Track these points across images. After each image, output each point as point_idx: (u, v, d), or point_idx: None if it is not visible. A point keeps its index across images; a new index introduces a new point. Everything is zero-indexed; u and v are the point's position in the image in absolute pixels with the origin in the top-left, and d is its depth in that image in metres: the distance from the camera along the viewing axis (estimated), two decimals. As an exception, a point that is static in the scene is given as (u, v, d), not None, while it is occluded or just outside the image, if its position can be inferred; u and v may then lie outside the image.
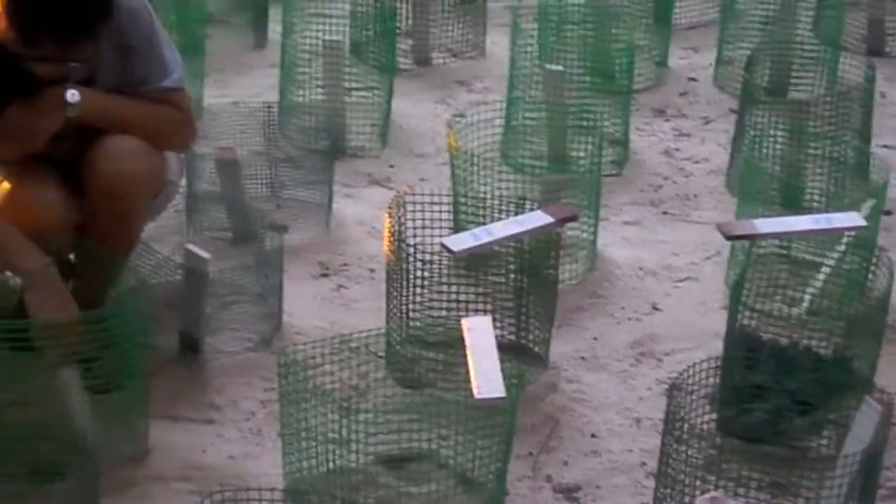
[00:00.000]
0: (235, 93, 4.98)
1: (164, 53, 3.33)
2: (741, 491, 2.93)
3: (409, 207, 3.60)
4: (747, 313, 3.44)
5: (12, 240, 3.15)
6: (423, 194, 3.65)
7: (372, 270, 3.95)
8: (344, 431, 2.88)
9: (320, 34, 4.71)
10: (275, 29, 5.30)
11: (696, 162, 4.71)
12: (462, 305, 3.52)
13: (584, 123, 4.38)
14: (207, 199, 4.04)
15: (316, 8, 4.95)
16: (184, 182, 3.84)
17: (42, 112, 3.18)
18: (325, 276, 3.94)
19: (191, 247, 3.46)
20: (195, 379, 3.43)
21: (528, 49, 4.74)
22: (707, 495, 2.71)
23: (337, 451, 2.94)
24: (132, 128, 3.28)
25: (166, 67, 3.33)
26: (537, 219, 3.51)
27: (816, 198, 4.04)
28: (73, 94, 3.19)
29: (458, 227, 3.78)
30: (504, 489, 3.02)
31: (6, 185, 3.26)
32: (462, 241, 3.44)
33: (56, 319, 3.05)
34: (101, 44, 3.21)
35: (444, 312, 3.51)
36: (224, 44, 5.41)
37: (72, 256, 3.41)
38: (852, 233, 3.64)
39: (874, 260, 3.50)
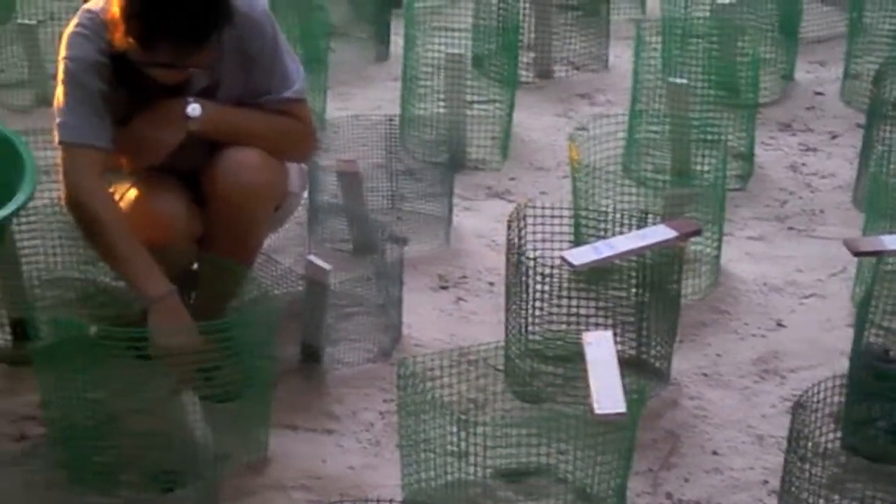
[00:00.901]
0: (357, 105, 5.00)
1: (286, 64, 3.35)
2: (867, 511, 2.87)
3: (530, 220, 3.58)
4: (874, 331, 3.37)
5: (140, 262, 3.16)
6: (543, 207, 3.63)
7: (491, 283, 3.94)
8: (462, 444, 2.86)
9: (442, 47, 4.71)
10: (397, 42, 5.33)
11: (823, 177, 4.63)
12: (582, 319, 3.49)
13: (709, 137, 4.33)
14: (329, 210, 4.05)
15: (438, 21, 4.96)
16: (306, 194, 3.86)
17: (164, 125, 3.22)
18: (445, 288, 3.94)
19: (312, 258, 3.48)
20: (315, 389, 3.44)
21: (652, 62, 4.71)
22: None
23: (455, 464, 2.92)
24: (253, 140, 3.30)
25: (288, 78, 3.35)
26: (660, 233, 3.47)
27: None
28: (194, 108, 3.21)
29: (578, 241, 3.75)
30: (623, 505, 2.99)
31: (129, 195, 3.29)
32: (583, 255, 3.41)
33: (175, 346, 3.05)
34: (224, 53, 3.24)
35: (563, 326, 3.48)
36: (347, 57, 5.44)
37: (195, 267, 3.45)
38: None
39: None
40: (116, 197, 3.30)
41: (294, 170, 3.50)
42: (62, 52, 3.22)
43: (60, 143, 3.20)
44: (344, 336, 3.59)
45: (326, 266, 3.43)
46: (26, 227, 3.54)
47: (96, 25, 3.18)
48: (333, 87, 5.03)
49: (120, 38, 3.08)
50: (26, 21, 5.03)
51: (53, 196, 3.68)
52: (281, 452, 3.19)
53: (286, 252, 3.91)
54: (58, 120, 3.20)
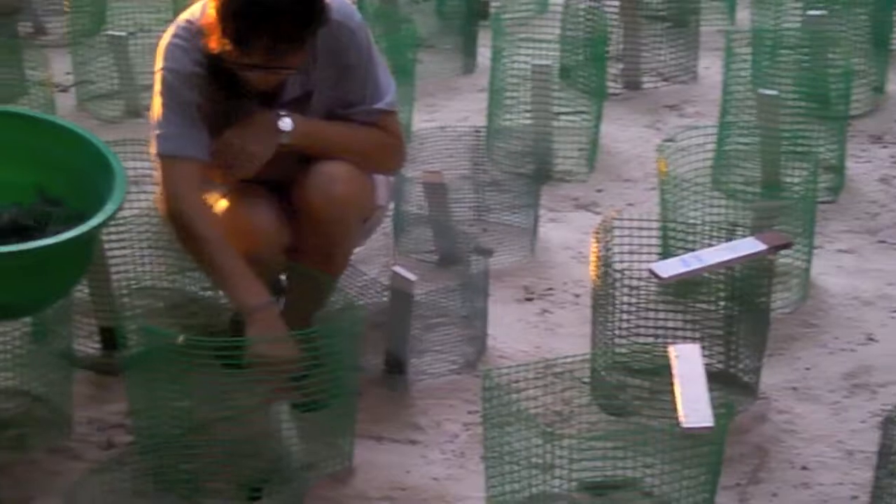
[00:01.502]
0: (444, 117, 5.01)
1: (378, 76, 3.35)
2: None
3: (617, 232, 3.56)
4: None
5: (239, 273, 3.17)
6: (631, 219, 3.61)
7: (577, 295, 3.92)
8: (547, 457, 2.85)
9: (529, 58, 4.71)
10: (484, 53, 5.33)
11: (915, 190, 4.57)
12: (669, 332, 3.46)
13: (799, 149, 4.28)
14: (414, 221, 4.06)
15: (525, 32, 4.95)
16: (392, 205, 3.86)
17: (257, 138, 3.23)
18: (530, 300, 3.92)
19: (397, 269, 3.48)
20: (399, 400, 3.44)
21: (742, 73, 4.66)
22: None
23: (540, 477, 2.91)
24: (344, 153, 3.31)
25: (380, 90, 3.35)
26: (749, 246, 3.43)
27: None
28: (286, 122, 3.23)
29: (666, 253, 3.72)
30: (710, 520, 2.96)
31: (220, 205, 3.31)
32: (671, 267, 3.38)
33: (274, 356, 3.06)
34: (318, 63, 3.25)
35: (650, 339, 3.45)
36: (433, 68, 5.45)
37: (282, 276, 3.47)
38: None
39: None
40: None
41: (381, 182, 3.50)
42: (159, 63, 3.25)
43: (159, 155, 3.22)
44: (428, 347, 3.59)
45: (412, 277, 3.43)
46: (116, 236, 3.57)
47: (192, 34, 3.21)
48: (420, 98, 5.04)
49: (216, 42, 3.10)
50: (116, 32, 5.08)
51: (143, 206, 3.73)
52: (365, 463, 3.19)
53: (372, 262, 3.92)
54: (156, 132, 3.23)
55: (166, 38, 3.26)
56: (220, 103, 3.24)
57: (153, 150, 3.24)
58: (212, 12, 3.09)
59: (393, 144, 3.42)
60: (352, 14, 3.30)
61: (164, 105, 3.22)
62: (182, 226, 3.20)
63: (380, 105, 3.35)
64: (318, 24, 3.13)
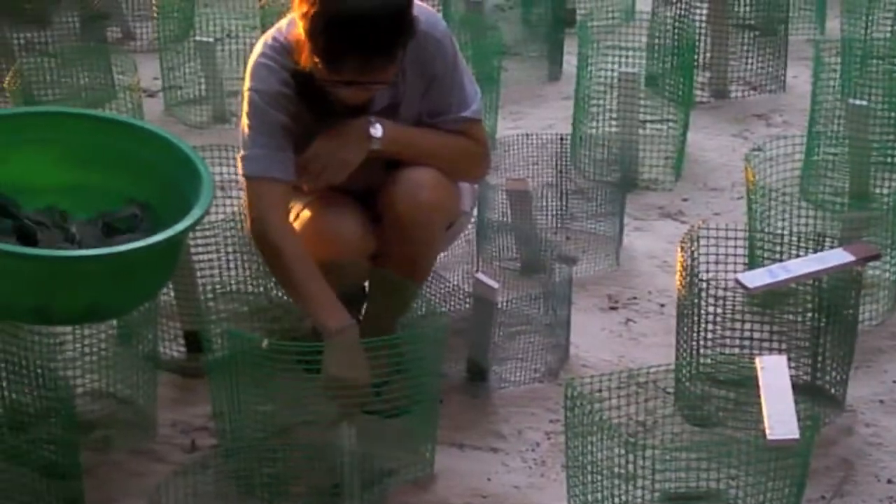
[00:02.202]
0: (529, 124, 5.00)
1: (464, 84, 3.35)
2: None
3: (703, 242, 3.53)
4: None
5: (321, 295, 3.16)
6: (717, 229, 3.57)
7: (662, 305, 3.89)
8: (630, 467, 2.83)
9: (616, 66, 4.69)
10: (570, 61, 5.31)
11: None
12: (755, 343, 3.42)
13: (888, 160, 4.22)
14: (498, 229, 4.05)
15: (612, 40, 4.93)
16: (475, 211, 3.86)
17: (347, 144, 3.23)
18: (614, 308, 3.90)
19: (480, 276, 3.47)
20: (481, 407, 3.43)
21: (831, 83, 4.61)
22: None
23: (622, 487, 2.89)
24: (431, 159, 3.30)
25: (466, 98, 3.35)
26: (837, 257, 3.39)
27: None
28: (376, 128, 3.23)
29: (753, 264, 3.69)
30: (795, 534, 2.92)
31: (306, 213, 3.32)
32: (757, 278, 3.35)
33: (346, 379, 3.06)
34: (407, 73, 3.26)
35: (736, 350, 3.42)
36: (519, 76, 5.44)
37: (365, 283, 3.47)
38: None
39: None
40: (293, 214, 3.34)
41: (466, 188, 3.50)
42: (246, 83, 3.26)
43: (245, 176, 3.23)
44: (511, 355, 3.58)
45: (494, 284, 3.42)
46: (202, 241, 3.60)
47: (279, 52, 3.22)
48: (505, 105, 5.04)
49: (306, 59, 3.10)
50: (204, 38, 5.13)
51: (229, 211, 3.75)
52: (446, 469, 3.19)
53: (454, 269, 3.92)
54: (242, 153, 3.24)
55: (254, 56, 3.27)
56: (308, 122, 3.24)
57: (239, 170, 3.25)
58: (300, 30, 3.09)
59: (479, 152, 3.42)
60: (437, 23, 3.30)
61: (251, 126, 3.23)
62: (266, 246, 3.21)
63: (466, 113, 3.35)
64: (408, 38, 3.12)
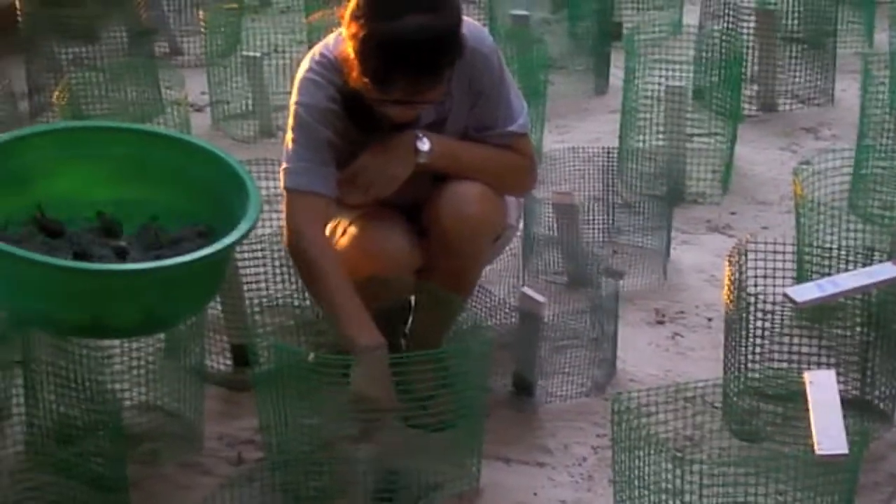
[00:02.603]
0: (575, 138, 4.99)
1: (511, 99, 3.35)
2: None
3: (751, 256, 3.51)
4: None
5: (353, 312, 3.14)
6: (765, 242, 3.55)
7: (709, 319, 3.87)
8: (677, 482, 2.81)
9: (663, 80, 4.67)
10: (616, 74, 5.30)
11: None
12: (804, 358, 3.40)
13: (939, 173, 4.20)
14: (544, 242, 4.04)
15: (659, 53, 4.92)
16: (521, 225, 3.85)
17: (395, 159, 3.24)
18: (661, 323, 3.89)
19: (526, 290, 3.47)
20: (527, 422, 3.42)
21: (880, 96, 4.58)
22: None
23: (670, 502, 2.87)
24: (478, 174, 3.30)
25: (512, 113, 3.35)
26: (887, 271, 3.36)
27: None
28: (423, 142, 3.23)
29: (801, 278, 3.66)
30: (844, 550, 2.90)
31: (352, 228, 3.32)
32: (806, 292, 3.32)
33: (371, 397, 3.05)
34: (454, 88, 3.26)
35: (784, 364, 3.40)
36: (565, 89, 5.44)
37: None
38: None
39: None
40: (340, 229, 3.34)
41: (512, 202, 3.50)
42: (293, 97, 3.26)
43: (285, 188, 3.23)
44: (557, 369, 3.57)
45: (541, 298, 3.41)
46: (249, 254, 3.61)
47: (327, 69, 3.22)
48: (551, 119, 5.03)
49: (355, 78, 3.10)
50: (251, 53, 5.15)
51: (276, 225, 3.76)
52: (492, 484, 3.18)
53: (500, 283, 3.91)
54: (284, 166, 3.24)
55: (301, 71, 3.27)
56: (354, 138, 3.25)
57: (281, 183, 3.26)
58: (349, 49, 3.09)
59: (526, 166, 3.41)
60: (484, 38, 3.30)
61: (295, 140, 3.23)
62: (302, 260, 3.21)
63: (512, 128, 3.34)
64: (456, 58, 3.13)
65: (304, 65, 3.27)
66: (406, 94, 3.10)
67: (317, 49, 3.29)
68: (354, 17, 3.07)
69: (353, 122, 3.23)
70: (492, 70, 3.29)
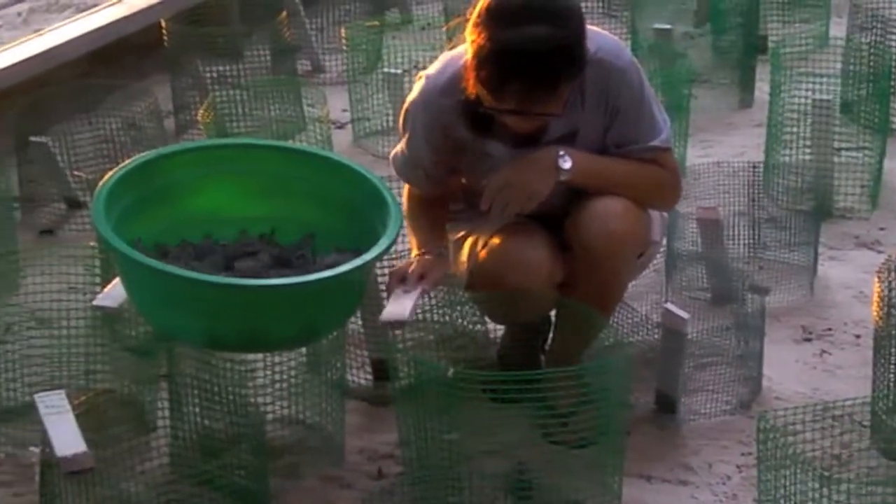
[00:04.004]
0: (719, 152, 4.93)
1: (653, 113, 3.31)
2: None
3: (901, 271, 3.43)
4: None
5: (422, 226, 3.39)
6: (916, 258, 3.47)
7: (857, 336, 3.79)
8: (824, 501, 2.75)
9: (809, 93, 4.59)
10: (762, 88, 5.23)
11: None
12: (956, 376, 3.31)
13: None
14: (687, 258, 3.99)
15: (805, 67, 4.84)
16: (664, 241, 3.81)
17: (536, 175, 3.22)
18: (808, 340, 3.81)
19: (669, 306, 3.42)
20: (670, 439, 3.38)
21: None
22: None
23: (817, 522, 2.81)
24: (621, 189, 3.27)
25: (655, 127, 3.31)
26: None
27: None
28: (565, 160, 3.22)
29: (953, 294, 3.56)
30: None
31: (494, 240, 3.32)
32: (958, 308, 3.24)
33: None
34: (586, 102, 3.23)
35: (936, 383, 3.31)
36: (709, 103, 5.38)
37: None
38: None
39: None
40: (480, 243, 3.35)
41: (656, 217, 3.46)
42: (409, 98, 3.35)
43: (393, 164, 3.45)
44: (701, 386, 3.52)
45: (684, 315, 3.37)
46: (389, 270, 3.61)
47: (443, 83, 3.25)
48: (694, 133, 4.98)
49: (472, 84, 3.12)
50: (392, 70, 5.17)
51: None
52: (634, 502, 3.14)
53: (643, 299, 3.87)
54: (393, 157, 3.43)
55: (417, 87, 3.33)
56: (476, 147, 3.27)
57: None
58: (469, 55, 3.12)
59: (670, 181, 3.38)
60: (620, 53, 3.27)
61: (403, 152, 3.41)
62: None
63: (655, 142, 3.31)
64: (576, 73, 3.11)
65: (418, 85, 3.33)
66: (519, 104, 3.09)
67: (445, 55, 3.32)
68: (476, 24, 3.10)
69: (477, 131, 3.23)
70: (630, 85, 3.26)
